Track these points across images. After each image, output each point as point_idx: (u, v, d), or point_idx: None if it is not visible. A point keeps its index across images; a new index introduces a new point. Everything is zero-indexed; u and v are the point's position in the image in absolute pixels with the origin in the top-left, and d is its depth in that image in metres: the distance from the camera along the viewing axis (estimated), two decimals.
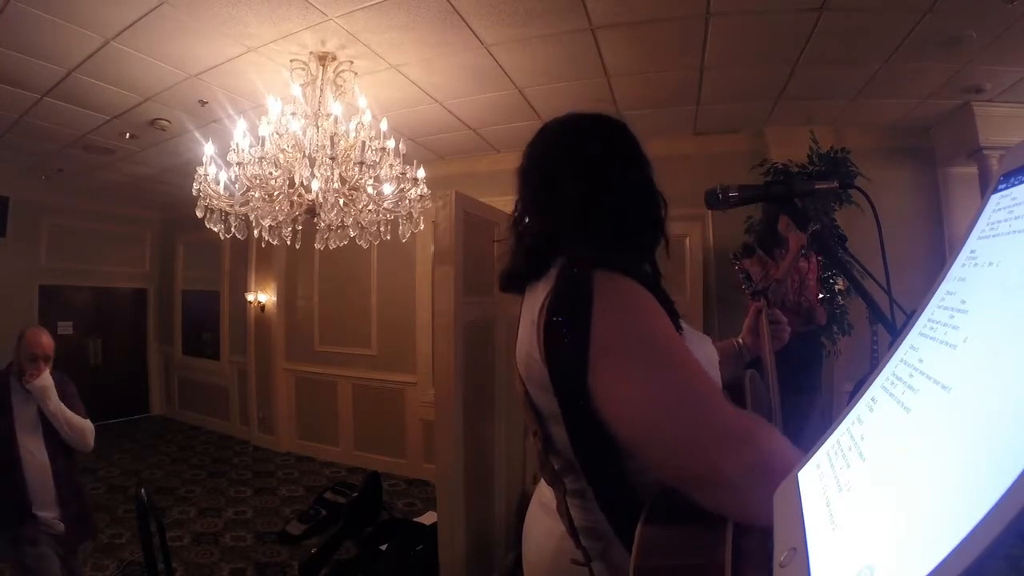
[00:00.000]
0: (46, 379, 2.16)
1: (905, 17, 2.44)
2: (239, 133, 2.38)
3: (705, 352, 0.91)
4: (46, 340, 2.22)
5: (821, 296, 3.06)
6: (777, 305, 2.87)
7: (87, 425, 2.27)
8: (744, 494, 0.57)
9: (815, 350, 2.99)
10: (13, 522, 2.05)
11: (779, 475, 0.55)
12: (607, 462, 0.76)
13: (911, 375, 0.47)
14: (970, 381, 0.38)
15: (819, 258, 2.98)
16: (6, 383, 2.15)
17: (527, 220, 0.90)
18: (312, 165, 2.42)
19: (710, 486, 0.60)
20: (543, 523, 0.89)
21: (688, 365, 0.68)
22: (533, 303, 0.82)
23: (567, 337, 0.71)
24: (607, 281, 0.73)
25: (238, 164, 2.37)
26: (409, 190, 2.75)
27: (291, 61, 2.80)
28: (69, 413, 2.20)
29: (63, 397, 2.23)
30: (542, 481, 0.94)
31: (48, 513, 2.13)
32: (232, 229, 2.59)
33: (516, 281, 0.90)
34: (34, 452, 2.13)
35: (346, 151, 2.56)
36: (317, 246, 2.87)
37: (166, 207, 6.53)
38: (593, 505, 0.79)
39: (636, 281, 0.74)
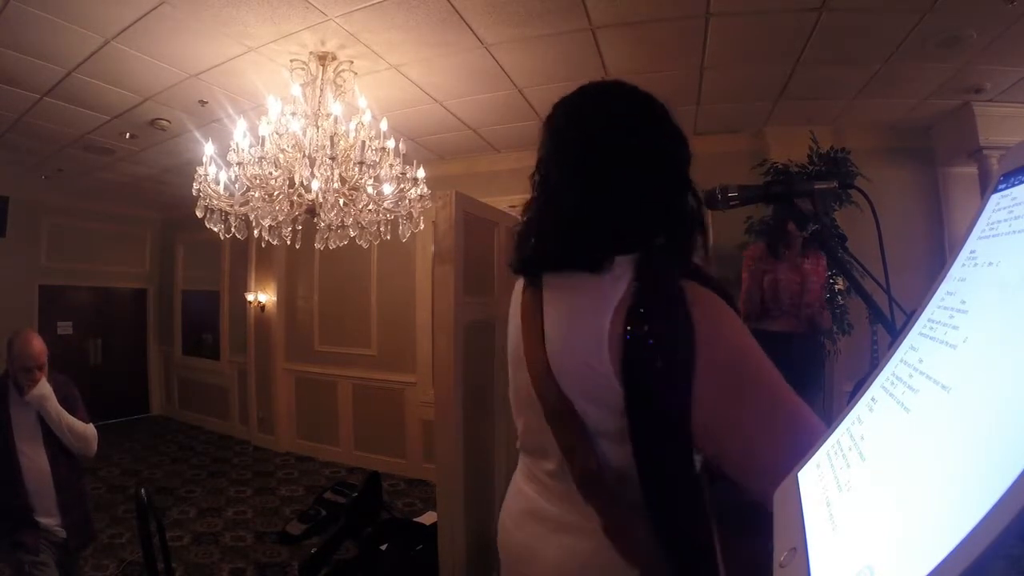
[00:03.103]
0: (42, 388, 2.10)
1: (905, 17, 2.44)
2: (239, 133, 2.38)
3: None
4: (37, 348, 2.12)
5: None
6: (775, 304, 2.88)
7: (89, 430, 2.22)
8: None
9: (816, 350, 2.99)
10: (13, 527, 2.02)
11: None
12: (673, 483, 0.74)
13: (911, 375, 0.47)
14: (970, 381, 0.38)
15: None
16: (4, 388, 2.11)
17: (559, 201, 0.79)
18: (312, 165, 2.42)
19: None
20: (557, 540, 0.82)
21: (783, 385, 0.68)
22: (589, 304, 0.74)
23: (664, 357, 0.67)
24: (701, 296, 0.70)
25: (238, 164, 2.37)
26: (409, 190, 2.75)
27: (291, 61, 2.80)
28: (70, 419, 2.15)
29: (66, 401, 2.18)
30: (530, 491, 0.89)
31: (50, 520, 2.10)
32: (232, 229, 2.59)
33: (559, 255, 0.78)
34: (34, 459, 2.09)
35: (346, 151, 2.56)
36: (317, 246, 2.87)
37: (166, 207, 6.53)
38: (643, 523, 0.74)
39: (711, 289, 0.72)
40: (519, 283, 0.91)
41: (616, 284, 0.73)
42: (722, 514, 0.72)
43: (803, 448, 0.61)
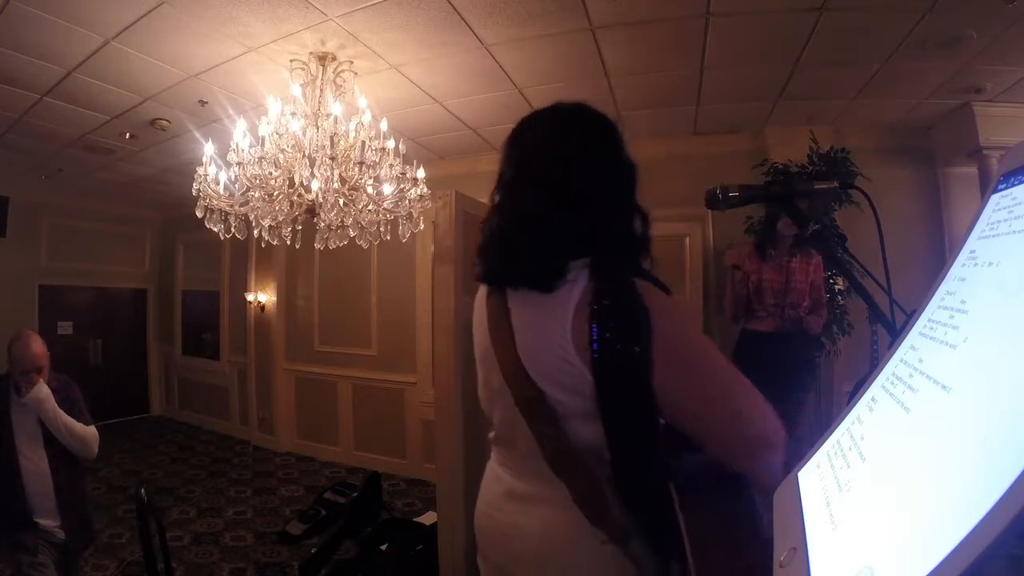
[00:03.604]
0: (40, 390, 2.09)
1: (905, 17, 2.44)
2: (239, 133, 2.38)
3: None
4: (35, 351, 2.12)
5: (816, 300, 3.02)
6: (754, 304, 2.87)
7: (90, 432, 2.21)
8: (776, 455, 0.78)
9: (803, 351, 2.96)
10: (13, 528, 2.02)
11: (785, 447, 0.78)
12: (640, 454, 0.85)
13: (911, 375, 0.47)
14: (970, 381, 0.38)
15: (821, 262, 2.96)
16: (5, 390, 2.10)
17: (532, 207, 0.87)
18: (312, 165, 2.42)
19: (766, 452, 0.78)
20: (534, 512, 0.91)
21: (727, 364, 0.82)
22: (553, 307, 0.82)
23: (626, 343, 0.77)
24: (650, 291, 0.80)
25: (238, 164, 2.37)
26: (409, 190, 2.75)
27: (291, 61, 2.80)
28: (70, 421, 2.14)
29: (68, 403, 2.18)
30: (504, 474, 0.98)
31: (49, 521, 2.09)
32: (232, 229, 2.59)
33: (518, 274, 0.87)
34: (34, 460, 2.09)
35: (346, 151, 2.56)
36: (317, 246, 2.87)
37: (166, 207, 6.53)
38: (611, 493, 0.85)
39: (660, 290, 0.82)
40: (482, 289, 1.01)
41: (574, 286, 0.82)
42: (685, 481, 0.82)
43: (752, 419, 0.78)
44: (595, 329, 0.78)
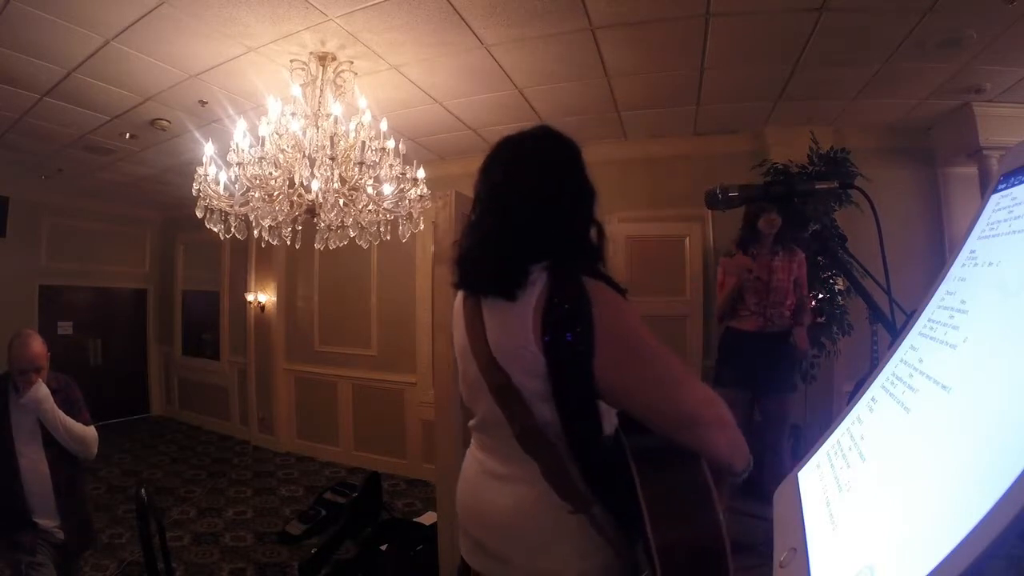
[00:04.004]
0: (39, 390, 2.08)
1: (905, 17, 2.44)
2: (239, 133, 2.38)
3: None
4: (35, 350, 2.11)
5: (803, 302, 2.98)
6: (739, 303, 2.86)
7: (89, 433, 2.20)
8: (715, 432, 0.87)
9: (783, 349, 2.96)
10: (11, 528, 2.01)
11: (730, 426, 0.88)
12: (587, 431, 0.96)
13: (911, 375, 0.47)
14: (970, 381, 0.38)
15: (814, 261, 2.95)
16: (5, 389, 2.10)
17: (497, 229, 1.01)
18: (312, 165, 2.41)
19: (698, 428, 0.87)
20: (508, 489, 1.02)
21: (663, 349, 0.93)
22: (517, 306, 0.95)
23: (572, 333, 0.89)
24: (596, 288, 0.92)
25: (238, 164, 2.37)
26: (409, 190, 2.75)
27: (291, 61, 2.80)
28: (69, 421, 2.13)
29: (68, 403, 2.17)
30: (483, 456, 1.09)
31: (48, 522, 2.09)
32: (232, 229, 2.59)
33: (487, 284, 1.01)
34: (34, 460, 2.08)
35: (346, 151, 2.56)
36: (317, 246, 2.87)
37: (166, 207, 6.53)
38: (573, 467, 0.95)
39: (608, 285, 0.94)
40: (460, 295, 1.13)
41: (534, 287, 0.94)
42: (639, 455, 0.89)
43: (684, 399, 0.89)
44: (546, 319, 0.91)
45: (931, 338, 0.48)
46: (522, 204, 0.99)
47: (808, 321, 3.04)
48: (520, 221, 0.98)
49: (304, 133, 2.52)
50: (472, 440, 1.16)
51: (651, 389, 0.91)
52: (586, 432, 0.96)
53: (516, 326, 0.94)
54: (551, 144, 1.06)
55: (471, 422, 1.15)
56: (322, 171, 2.44)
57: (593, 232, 1.03)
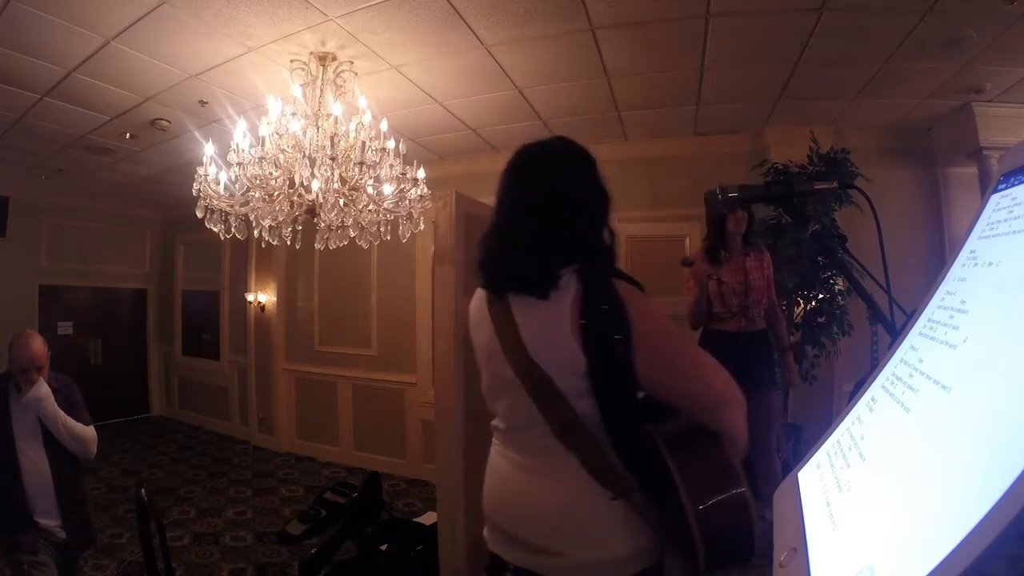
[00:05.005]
0: (40, 389, 2.09)
1: (905, 17, 2.44)
2: (239, 133, 2.38)
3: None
4: (36, 350, 2.12)
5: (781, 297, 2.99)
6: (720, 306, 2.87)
7: (88, 433, 2.21)
8: (736, 411, 0.99)
9: (762, 348, 2.96)
10: (12, 528, 2.02)
11: (744, 405, 1.00)
12: (628, 421, 1.03)
13: (911, 375, 0.47)
14: (970, 381, 0.38)
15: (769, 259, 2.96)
16: (5, 389, 2.10)
17: (531, 232, 1.05)
18: (312, 165, 2.41)
19: (725, 409, 0.98)
20: (548, 484, 1.05)
21: (687, 339, 1.09)
22: (552, 308, 1.00)
23: (613, 332, 0.97)
24: (625, 288, 1.00)
25: (238, 164, 2.37)
26: (409, 190, 2.75)
27: (291, 61, 2.80)
28: (69, 421, 2.14)
29: (68, 403, 2.18)
30: (513, 454, 1.11)
31: (50, 521, 2.09)
32: (232, 229, 2.59)
33: (521, 285, 1.05)
34: (35, 460, 2.09)
35: (346, 151, 2.56)
36: (317, 246, 2.87)
37: (166, 207, 6.53)
38: (612, 456, 1.01)
39: (631, 284, 1.02)
40: (478, 299, 1.18)
41: (567, 290, 1.00)
42: (669, 439, 0.99)
43: (711, 383, 0.99)
44: (586, 320, 0.97)
45: (931, 338, 0.48)
46: (553, 208, 1.05)
47: (783, 316, 3.06)
48: (552, 225, 1.04)
49: (304, 133, 2.52)
50: (496, 440, 1.19)
51: (686, 377, 1.00)
52: (627, 422, 1.02)
53: (553, 327, 1.00)
54: (575, 152, 1.12)
55: (494, 422, 1.18)
56: (322, 171, 2.44)
57: (607, 236, 1.11)
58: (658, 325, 1.02)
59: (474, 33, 2.61)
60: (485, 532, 1.20)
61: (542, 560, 1.05)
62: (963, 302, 0.46)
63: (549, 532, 1.04)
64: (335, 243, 2.86)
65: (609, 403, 1.01)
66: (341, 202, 2.59)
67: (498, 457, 1.17)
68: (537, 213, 1.06)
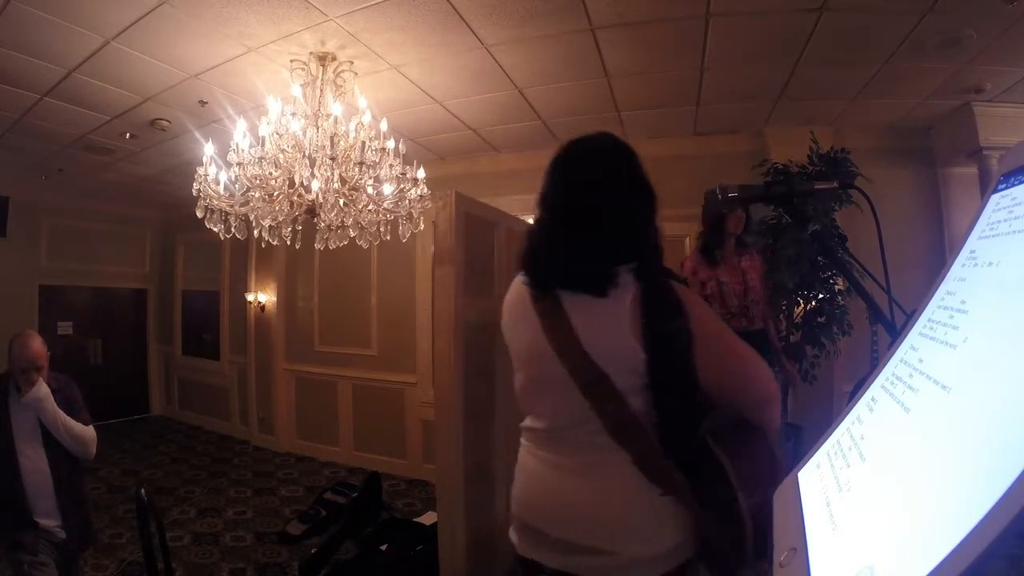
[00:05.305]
0: (40, 390, 2.09)
1: (905, 17, 2.44)
2: (239, 133, 2.38)
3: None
4: (36, 350, 2.12)
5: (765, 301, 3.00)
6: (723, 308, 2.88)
7: (88, 433, 2.21)
8: (776, 405, 1.06)
9: (762, 347, 2.98)
10: (12, 528, 2.01)
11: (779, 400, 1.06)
12: (685, 418, 1.05)
13: (911, 375, 0.47)
14: (970, 381, 0.38)
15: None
16: (5, 389, 2.10)
17: (587, 231, 1.05)
18: (312, 165, 2.41)
19: (772, 404, 1.05)
20: (591, 483, 1.05)
21: (739, 340, 1.07)
22: (612, 306, 1.02)
23: (675, 331, 1.00)
24: (683, 291, 1.05)
25: (238, 164, 2.37)
26: (409, 190, 2.75)
27: (291, 61, 2.80)
28: (69, 421, 2.14)
29: (68, 403, 2.18)
30: (550, 454, 1.11)
31: (50, 521, 2.09)
32: (232, 229, 2.59)
33: (579, 283, 1.05)
34: (34, 460, 2.09)
35: (346, 151, 2.56)
36: (317, 246, 2.87)
37: (166, 207, 6.53)
38: (663, 452, 1.03)
39: (684, 286, 1.06)
40: (515, 296, 1.18)
41: (626, 289, 1.02)
42: (720, 437, 1.02)
43: (759, 379, 1.05)
44: (647, 319, 1.00)
45: (931, 338, 0.48)
46: (610, 207, 1.05)
47: (772, 317, 3.09)
48: (610, 224, 1.04)
49: (304, 133, 2.52)
50: (528, 441, 1.18)
51: (741, 375, 1.04)
52: (682, 419, 1.05)
53: (613, 324, 1.01)
54: (624, 149, 1.11)
55: (528, 423, 1.17)
56: (322, 171, 2.44)
57: (655, 234, 1.11)
58: (715, 326, 1.06)
59: (474, 33, 2.61)
60: (512, 536, 1.18)
61: (587, 560, 1.04)
62: (963, 302, 0.46)
63: (599, 531, 1.04)
64: (335, 243, 2.86)
65: (666, 400, 1.03)
66: (341, 202, 2.59)
67: (530, 458, 1.16)
68: (594, 211, 1.05)
